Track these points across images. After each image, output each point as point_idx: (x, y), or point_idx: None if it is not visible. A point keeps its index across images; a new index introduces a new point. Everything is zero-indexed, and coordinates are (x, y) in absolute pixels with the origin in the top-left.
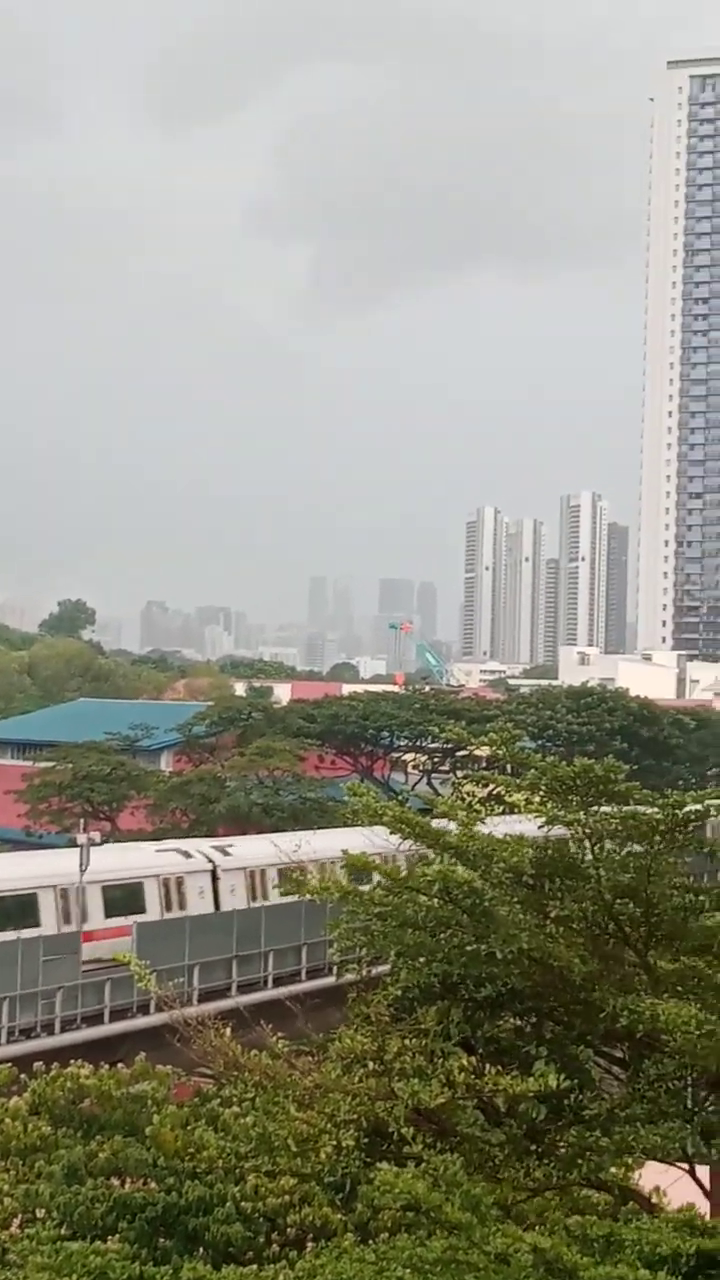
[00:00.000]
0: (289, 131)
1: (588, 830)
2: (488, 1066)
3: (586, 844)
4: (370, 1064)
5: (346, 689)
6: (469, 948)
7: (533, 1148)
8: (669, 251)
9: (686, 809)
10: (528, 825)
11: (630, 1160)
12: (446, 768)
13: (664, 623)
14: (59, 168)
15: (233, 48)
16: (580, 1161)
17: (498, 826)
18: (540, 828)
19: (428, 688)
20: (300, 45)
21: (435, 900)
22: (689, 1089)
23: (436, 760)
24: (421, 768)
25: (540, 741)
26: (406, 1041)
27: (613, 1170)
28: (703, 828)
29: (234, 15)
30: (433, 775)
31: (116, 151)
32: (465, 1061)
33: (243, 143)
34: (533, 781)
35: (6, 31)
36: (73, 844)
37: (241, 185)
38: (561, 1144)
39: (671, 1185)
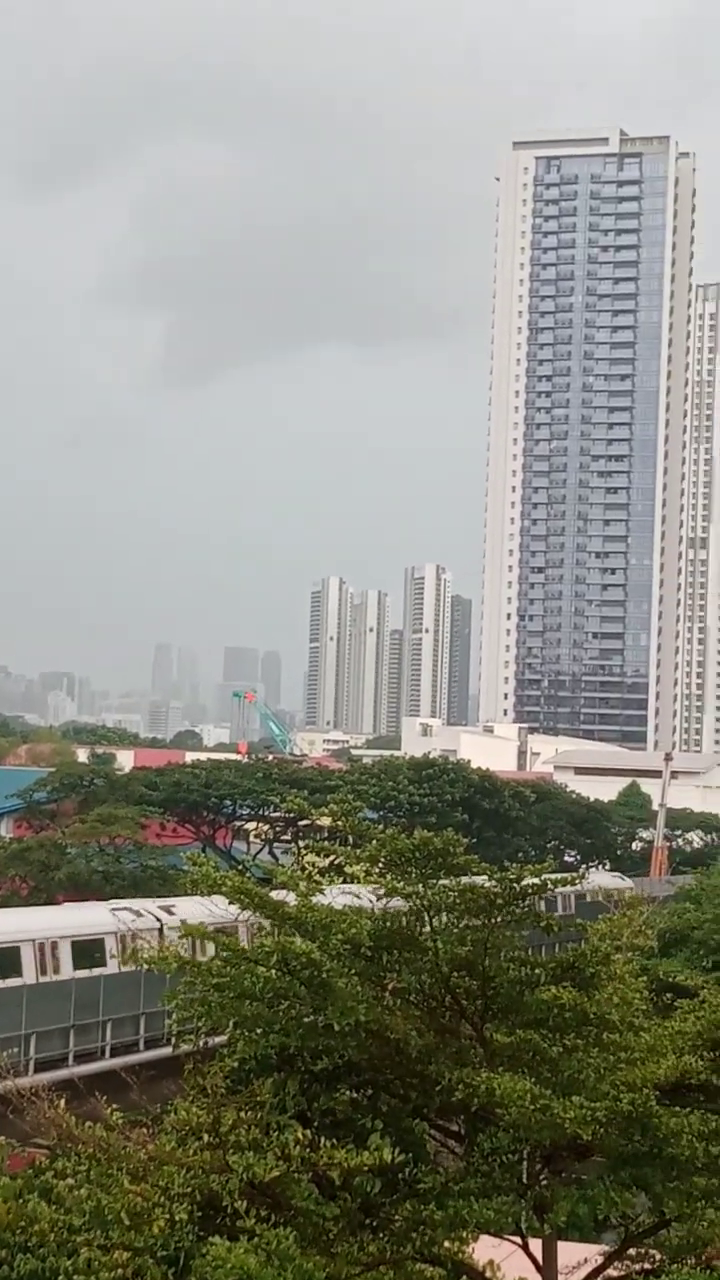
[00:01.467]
0: (144, 202)
1: (426, 902)
2: (323, 1139)
3: (425, 916)
4: (205, 1136)
5: (190, 757)
6: (306, 1019)
7: (367, 1221)
8: (513, 329)
9: (524, 883)
10: (367, 897)
11: (464, 1234)
12: (289, 837)
13: (506, 695)
14: None
15: (91, 117)
16: (414, 1235)
17: (337, 897)
18: (379, 899)
19: (271, 757)
20: (158, 117)
21: (273, 972)
22: (523, 1162)
23: (279, 829)
24: (264, 837)
25: (382, 812)
26: (242, 1114)
27: (446, 1244)
28: (553, 900)
29: (93, 84)
30: (275, 845)
31: None
32: (301, 1134)
33: (99, 211)
34: (373, 853)
35: None
36: None
37: (96, 254)
38: (396, 1218)
39: (505, 1259)
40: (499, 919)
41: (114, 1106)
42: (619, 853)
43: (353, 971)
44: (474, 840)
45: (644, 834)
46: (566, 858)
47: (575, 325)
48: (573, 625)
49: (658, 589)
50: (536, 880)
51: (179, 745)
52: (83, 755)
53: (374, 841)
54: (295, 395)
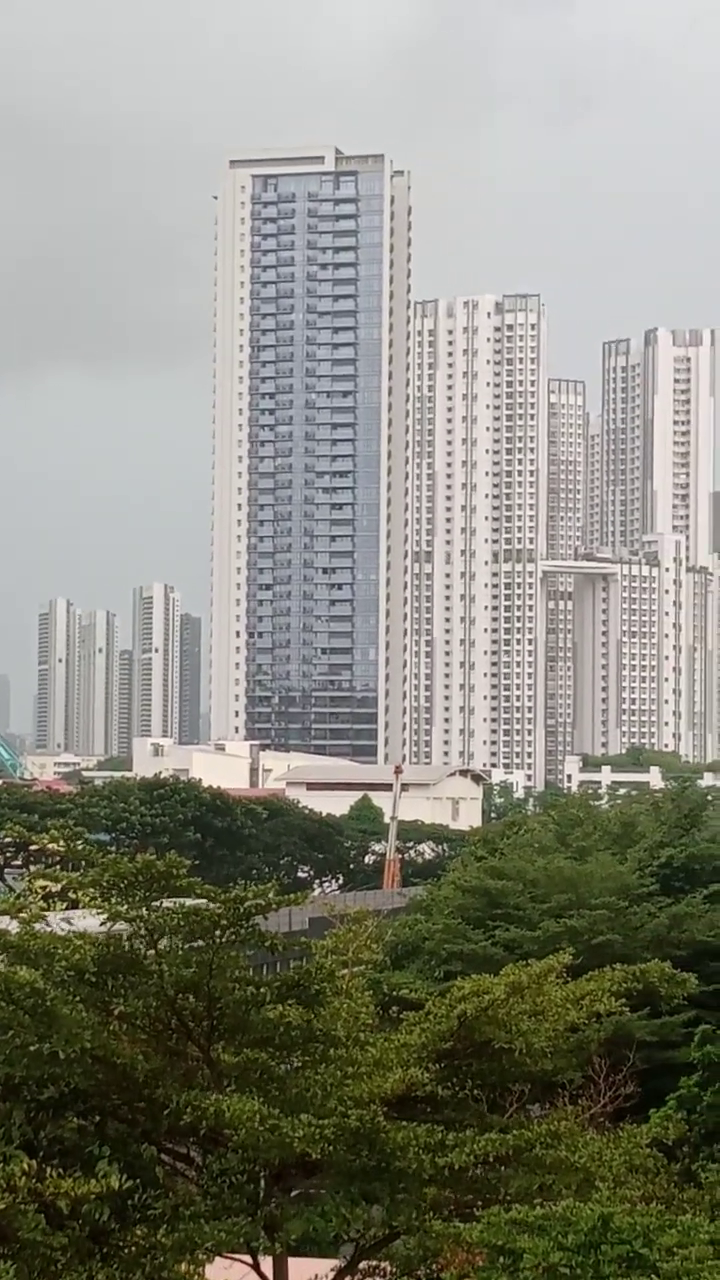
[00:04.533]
0: None
1: (150, 926)
2: (50, 1168)
3: (149, 939)
4: None
5: None
6: (31, 1048)
7: (97, 1250)
8: (235, 348)
9: (247, 904)
10: (93, 921)
11: (196, 1257)
12: (20, 863)
13: (237, 713)
14: None
15: None
16: (144, 1261)
17: (63, 922)
18: (103, 924)
19: (0, 782)
20: None
21: None
22: (257, 1183)
23: (9, 855)
24: None
25: (114, 834)
26: None
27: (178, 1268)
28: (290, 916)
29: None
30: (5, 870)
31: None
32: (27, 1164)
33: None
34: (95, 877)
35: None
36: None
37: None
38: (126, 1244)
39: None
40: (223, 940)
41: None
42: (351, 866)
43: (77, 998)
44: (204, 860)
45: (376, 847)
46: (300, 873)
47: (297, 343)
48: (302, 641)
49: (384, 603)
50: (261, 900)
51: None
52: None
53: (98, 865)
54: (24, 419)
